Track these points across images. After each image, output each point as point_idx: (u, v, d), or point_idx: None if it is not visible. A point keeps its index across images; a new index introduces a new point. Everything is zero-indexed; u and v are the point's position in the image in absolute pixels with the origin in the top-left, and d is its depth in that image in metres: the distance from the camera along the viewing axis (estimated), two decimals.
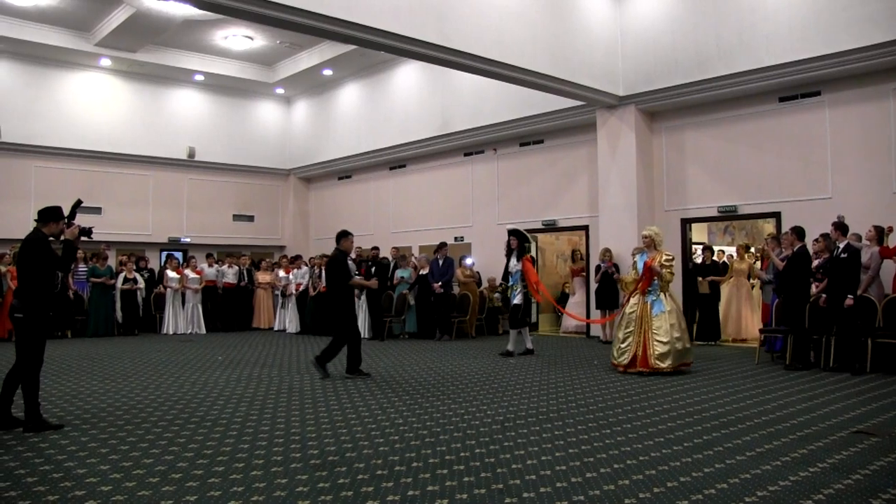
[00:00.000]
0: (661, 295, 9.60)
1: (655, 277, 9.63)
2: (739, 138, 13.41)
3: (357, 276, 10.30)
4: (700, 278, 13.51)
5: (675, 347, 9.32)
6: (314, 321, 16.40)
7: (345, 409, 7.06)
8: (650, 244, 9.82)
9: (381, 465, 4.97)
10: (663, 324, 9.40)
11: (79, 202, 6.79)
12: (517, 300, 11.81)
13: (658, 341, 9.34)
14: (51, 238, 6.37)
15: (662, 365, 9.26)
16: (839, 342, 9.72)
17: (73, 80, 19.22)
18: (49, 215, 6.40)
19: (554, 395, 7.84)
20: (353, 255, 14.12)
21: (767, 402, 7.40)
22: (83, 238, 6.77)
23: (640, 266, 9.86)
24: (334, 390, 8.29)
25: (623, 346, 9.65)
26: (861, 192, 11.76)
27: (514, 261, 11.92)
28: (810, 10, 11.82)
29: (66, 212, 6.58)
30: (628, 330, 9.64)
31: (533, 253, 17.29)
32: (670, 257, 9.79)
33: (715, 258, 14.19)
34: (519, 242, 11.92)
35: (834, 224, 9.93)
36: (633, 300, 9.82)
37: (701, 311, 13.54)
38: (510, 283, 12.00)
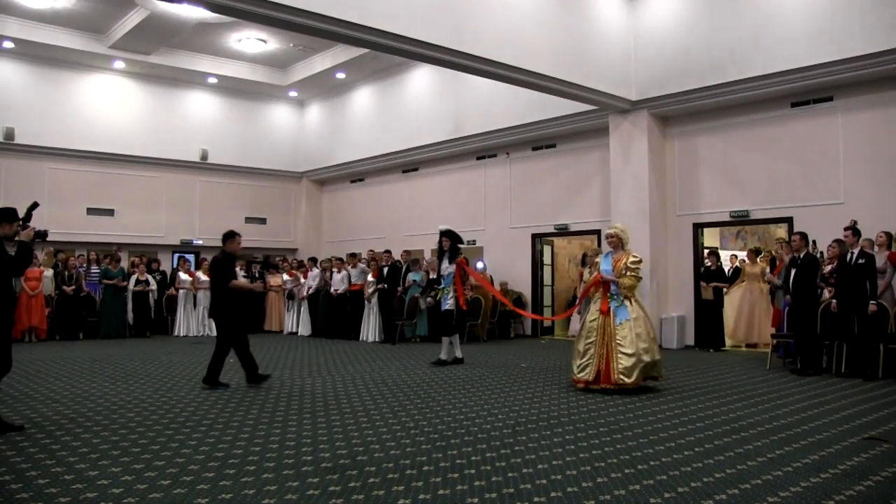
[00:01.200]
0: (626, 301, 8.47)
1: (613, 285, 8.55)
2: (752, 143, 13.37)
3: (243, 279, 9.65)
4: (704, 284, 13.44)
5: (640, 360, 8.18)
6: (325, 324, 16.45)
7: (356, 413, 7.07)
8: (616, 244, 8.72)
9: (393, 469, 4.98)
10: (628, 334, 8.26)
11: (35, 205, 6.70)
12: (448, 305, 11.18)
13: (623, 353, 8.20)
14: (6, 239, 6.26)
15: (627, 380, 8.13)
16: (851, 348, 9.68)
17: (86, 82, 19.36)
18: (2, 216, 6.26)
19: (564, 400, 7.83)
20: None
21: (778, 407, 7.37)
22: (38, 240, 6.70)
23: (603, 268, 8.69)
24: (346, 394, 8.31)
25: (584, 360, 8.51)
26: (873, 198, 11.70)
27: (446, 263, 11.23)
28: (824, 15, 11.78)
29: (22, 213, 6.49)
30: (589, 341, 8.51)
31: (548, 259, 17.39)
32: (637, 259, 8.64)
33: (721, 263, 14.05)
34: (452, 243, 11.19)
35: (851, 229, 9.87)
36: (593, 308, 8.75)
37: (704, 318, 13.50)
38: (441, 287, 11.35)
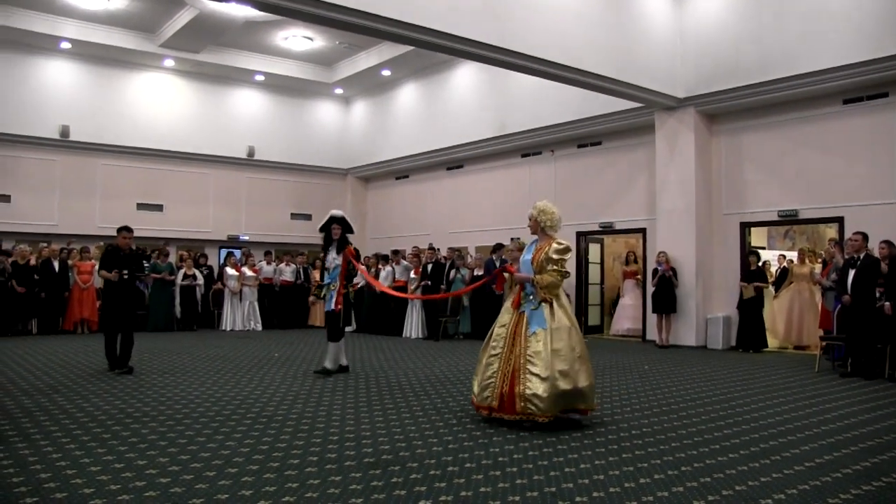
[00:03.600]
0: (545, 305, 6.37)
1: (529, 282, 6.49)
2: (801, 141, 13.13)
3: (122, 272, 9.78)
4: (744, 284, 13.20)
5: (555, 386, 6.03)
6: (370, 320, 16.56)
7: (399, 409, 7.10)
8: (535, 228, 6.73)
9: (434, 465, 4.99)
10: (542, 349, 6.16)
11: None
12: (334, 305, 9.57)
13: (532, 374, 6.10)
14: None
15: (535, 409, 6.03)
16: None
17: (138, 80, 19.73)
18: None
19: (608, 400, 7.77)
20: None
21: (828, 411, 7.23)
22: None
23: (523, 258, 6.78)
24: (389, 389, 8.35)
25: (486, 377, 6.43)
26: None
27: (333, 254, 9.64)
28: (877, 8, 11.52)
29: None
30: (494, 353, 6.47)
31: (597, 258, 17.20)
32: (562, 247, 6.47)
33: (760, 264, 13.78)
34: (343, 231, 9.67)
35: None
36: (506, 306, 6.78)
37: (743, 318, 13.27)
38: (326, 282, 9.76)
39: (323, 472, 4.79)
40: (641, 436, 5.97)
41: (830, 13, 12.06)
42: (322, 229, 9.81)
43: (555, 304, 6.35)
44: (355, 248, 9.85)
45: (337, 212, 9.91)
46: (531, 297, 6.43)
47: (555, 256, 6.40)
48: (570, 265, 16.59)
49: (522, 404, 6.08)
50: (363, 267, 10.90)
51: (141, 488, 4.38)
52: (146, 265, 15.36)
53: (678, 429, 6.27)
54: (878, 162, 12.14)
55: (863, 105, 12.40)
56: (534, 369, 6.11)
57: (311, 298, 10.04)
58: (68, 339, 13.96)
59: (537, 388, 6.05)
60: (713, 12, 13.68)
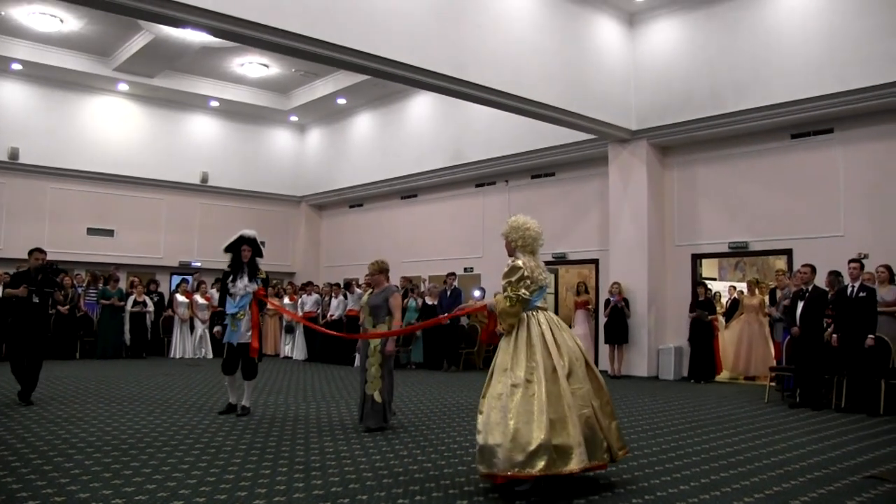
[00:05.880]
0: (507, 335, 5.28)
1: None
2: (751, 174, 13.39)
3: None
4: (693, 314, 13.37)
5: (487, 440, 4.94)
6: (323, 349, 16.38)
7: (350, 440, 7.01)
8: (510, 249, 5.53)
9: (384, 497, 4.91)
10: (488, 393, 5.15)
11: None
12: (248, 338, 8.42)
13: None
14: None
15: (483, 465, 5.03)
16: (851, 383, 9.60)
17: (91, 103, 19.43)
18: None
19: None
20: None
21: (777, 442, 7.30)
22: None
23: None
24: (340, 420, 8.25)
25: None
26: (873, 231, 11.70)
27: (244, 280, 8.53)
28: (824, 47, 11.86)
29: None
30: None
31: (551, 288, 17.26)
32: (509, 269, 5.31)
33: (709, 294, 13.94)
34: (253, 254, 8.71)
35: (857, 262, 9.83)
36: None
37: (694, 348, 13.39)
38: (232, 312, 8.50)
39: (272, 503, 4.70)
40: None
41: (780, 49, 12.39)
42: (229, 250, 8.74)
43: (515, 335, 5.21)
44: (266, 275, 8.88)
45: (249, 231, 8.89)
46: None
47: (503, 281, 5.31)
48: None
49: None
50: (277, 302, 10.29)
51: None
52: (69, 291, 15.02)
53: (629, 461, 6.26)
54: (824, 196, 12.42)
55: (810, 140, 12.71)
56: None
57: (217, 329, 9.00)
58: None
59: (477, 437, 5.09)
60: (666, 46, 13.96)
